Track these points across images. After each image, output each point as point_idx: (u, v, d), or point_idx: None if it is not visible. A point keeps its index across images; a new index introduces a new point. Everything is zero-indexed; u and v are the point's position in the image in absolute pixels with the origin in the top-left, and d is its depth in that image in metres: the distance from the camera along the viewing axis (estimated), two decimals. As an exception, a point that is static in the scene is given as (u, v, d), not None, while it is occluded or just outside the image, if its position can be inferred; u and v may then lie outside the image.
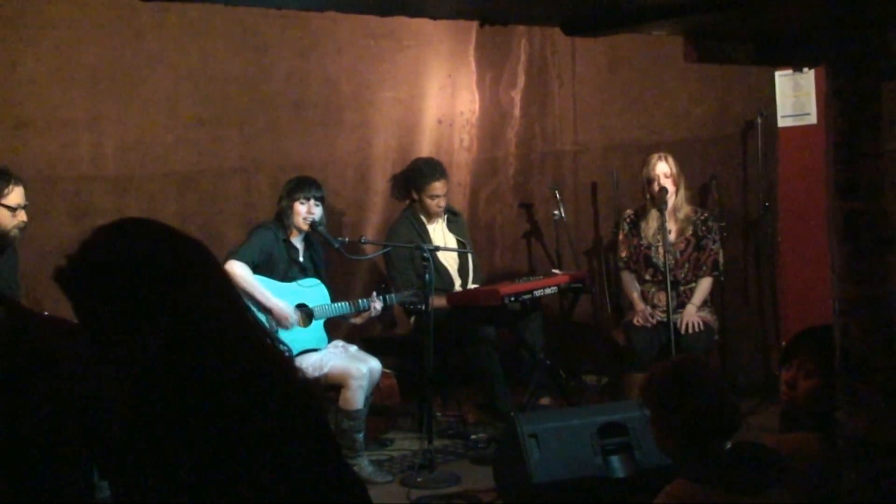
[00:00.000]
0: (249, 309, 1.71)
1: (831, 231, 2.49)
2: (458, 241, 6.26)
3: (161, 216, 5.86)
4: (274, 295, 5.24)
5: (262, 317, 5.17)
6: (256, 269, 5.21)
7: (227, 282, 1.67)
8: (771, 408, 5.85)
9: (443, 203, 6.11)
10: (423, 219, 6.13)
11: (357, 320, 5.57)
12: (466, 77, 7.26)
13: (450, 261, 6.23)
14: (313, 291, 5.40)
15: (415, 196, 6.10)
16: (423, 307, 5.31)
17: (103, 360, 1.53)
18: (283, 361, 1.67)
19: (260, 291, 5.17)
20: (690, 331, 5.78)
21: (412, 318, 6.05)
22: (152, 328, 1.53)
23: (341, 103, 6.69)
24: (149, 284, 1.55)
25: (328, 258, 5.74)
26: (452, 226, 6.28)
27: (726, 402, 2.67)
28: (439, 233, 6.19)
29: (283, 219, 5.38)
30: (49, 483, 1.48)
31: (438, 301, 5.66)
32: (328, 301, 5.43)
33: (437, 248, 5.82)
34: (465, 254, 6.26)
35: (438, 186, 6.06)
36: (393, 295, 5.59)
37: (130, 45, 5.85)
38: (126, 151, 5.89)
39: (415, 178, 6.10)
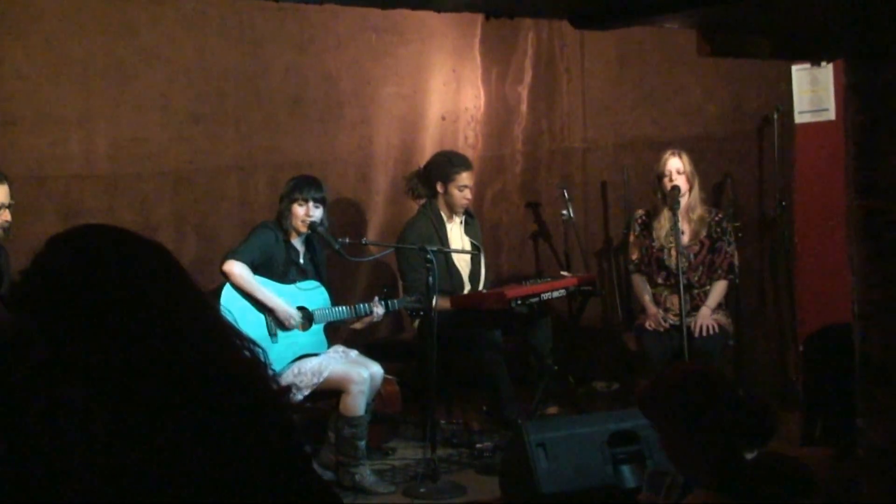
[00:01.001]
0: (219, 313, 1.70)
1: (851, 231, 2.49)
2: (473, 245, 6.28)
3: (155, 216, 5.92)
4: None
5: (262, 317, 5.16)
6: (255, 270, 5.21)
7: (192, 285, 1.66)
8: (789, 416, 5.84)
9: (469, 196, 6.17)
10: (443, 216, 6.14)
11: (357, 325, 5.57)
12: (471, 72, 7.27)
13: (462, 263, 6.24)
14: (313, 294, 5.40)
15: (440, 189, 6.11)
16: (427, 311, 5.31)
17: (68, 373, 1.52)
18: (255, 367, 1.66)
19: (261, 291, 5.17)
20: (704, 334, 5.77)
21: (415, 322, 6.05)
22: (114, 338, 1.53)
23: (341, 99, 6.69)
24: (108, 292, 1.54)
25: (329, 260, 5.74)
26: (469, 227, 6.29)
27: (761, 408, 2.65)
28: (457, 233, 6.22)
29: (282, 220, 5.38)
30: (45, 493, 1.48)
31: (442, 303, 5.66)
32: (328, 304, 5.43)
33: (442, 251, 5.81)
34: (478, 257, 6.27)
35: (466, 177, 6.11)
36: (395, 300, 5.58)
37: (123, 40, 5.85)
38: (118, 149, 5.89)
39: (442, 169, 6.11)
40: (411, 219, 6.23)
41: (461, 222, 6.26)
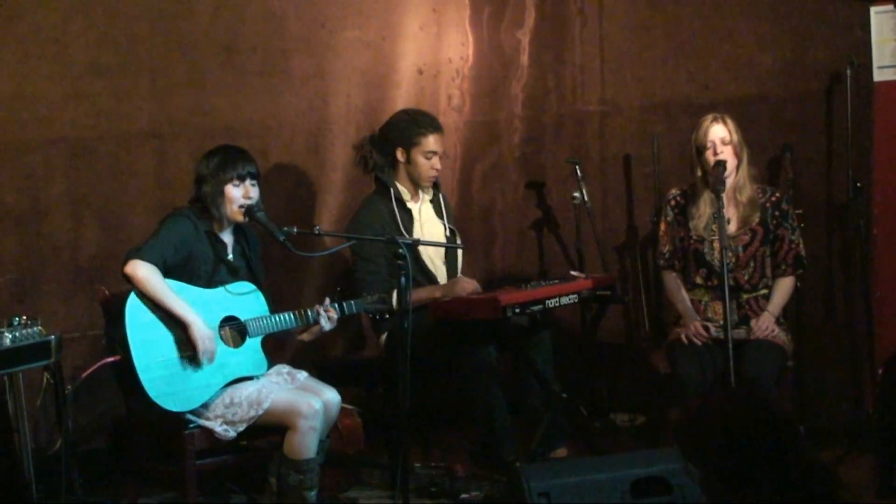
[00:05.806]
0: None
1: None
2: (449, 230, 6.28)
3: (45, 198, 5.90)
4: (193, 306, 5.14)
5: (171, 335, 5.06)
6: (170, 273, 5.13)
7: None
8: (864, 458, 5.85)
9: (439, 166, 6.18)
10: (405, 195, 6.13)
11: (305, 337, 5.53)
12: (457, 13, 7.25)
13: (436, 258, 6.22)
14: (247, 300, 5.35)
15: (401, 157, 6.12)
16: (395, 318, 5.28)
17: None
18: None
19: (173, 301, 5.04)
20: (763, 341, 5.74)
21: (383, 336, 6.03)
22: None
23: (287, 47, 6.67)
24: None
25: (267, 255, 5.70)
26: (439, 207, 6.28)
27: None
28: (428, 215, 6.24)
29: (207, 205, 5.29)
30: None
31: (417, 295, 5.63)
32: (266, 312, 5.39)
33: (419, 242, 5.79)
34: (454, 249, 6.27)
35: (435, 141, 6.14)
36: (353, 302, 5.54)
37: (3, -33, 5.83)
38: (-3, 111, 5.88)
39: (404, 130, 6.12)
40: (363, 202, 6.20)
41: (431, 200, 6.26)
